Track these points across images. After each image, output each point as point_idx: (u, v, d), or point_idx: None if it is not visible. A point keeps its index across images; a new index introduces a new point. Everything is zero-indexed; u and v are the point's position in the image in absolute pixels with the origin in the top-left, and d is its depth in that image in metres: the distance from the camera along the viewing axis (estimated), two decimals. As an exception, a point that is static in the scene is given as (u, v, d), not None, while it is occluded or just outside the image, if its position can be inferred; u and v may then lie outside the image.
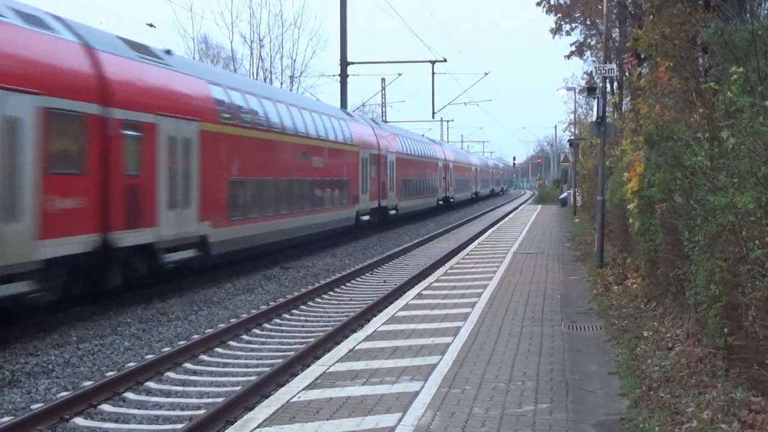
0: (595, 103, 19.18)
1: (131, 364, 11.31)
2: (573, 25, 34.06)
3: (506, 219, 42.56)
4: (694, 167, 8.40)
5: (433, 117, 56.62)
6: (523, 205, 67.14)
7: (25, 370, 10.94)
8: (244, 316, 14.83)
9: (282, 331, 14.06)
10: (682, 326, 9.91)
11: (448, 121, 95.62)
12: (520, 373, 8.64)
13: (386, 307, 14.10)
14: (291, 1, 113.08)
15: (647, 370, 8.67)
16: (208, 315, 15.25)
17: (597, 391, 8.13)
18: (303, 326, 14.52)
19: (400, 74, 77.26)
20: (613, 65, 20.20)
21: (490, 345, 10.12)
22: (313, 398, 7.70)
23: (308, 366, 9.72)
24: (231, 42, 64.70)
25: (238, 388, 10.06)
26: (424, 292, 14.88)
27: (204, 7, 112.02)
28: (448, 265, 19.92)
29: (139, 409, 9.46)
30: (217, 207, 19.42)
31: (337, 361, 9.24)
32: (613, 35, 29.16)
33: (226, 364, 11.69)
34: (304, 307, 16.20)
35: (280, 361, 11.36)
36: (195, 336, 13.22)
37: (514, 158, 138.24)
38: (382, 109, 63.83)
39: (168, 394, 10.15)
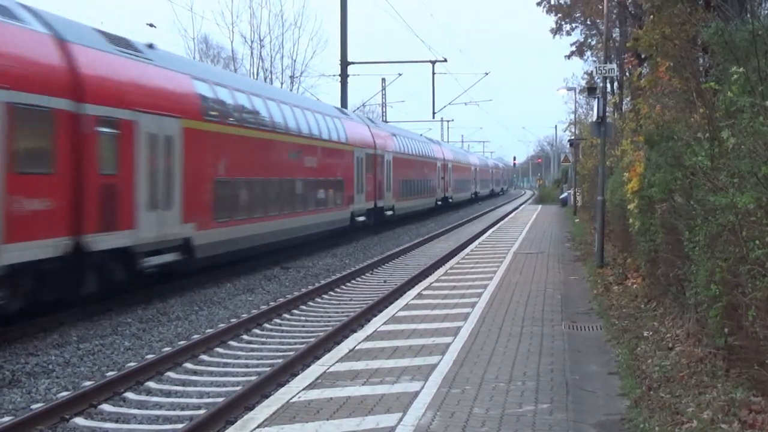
0: (595, 103, 19.18)
1: (131, 363, 11.31)
2: (573, 25, 34.09)
3: (506, 219, 42.56)
4: (694, 167, 8.40)
5: (433, 117, 56.70)
6: (523, 205, 67.13)
7: (26, 370, 10.94)
8: (245, 316, 14.83)
9: (282, 331, 14.06)
10: (683, 326, 9.91)
11: (448, 121, 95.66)
12: (521, 373, 8.64)
13: (386, 307, 14.10)
14: (291, 1, 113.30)
15: (647, 370, 8.67)
16: (209, 315, 15.25)
17: (597, 391, 8.13)
18: (303, 326, 14.52)
19: (400, 74, 77.56)
20: (614, 65, 20.21)
21: (491, 345, 10.12)
22: (313, 398, 7.70)
23: (308, 366, 9.72)
24: (231, 42, 64.65)
25: (238, 388, 10.06)
26: (425, 292, 14.88)
27: (204, 7, 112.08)
28: (448, 265, 19.92)
29: (139, 409, 9.47)
30: (202, 208, 18.65)
31: (337, 361, 9.24)
32: (614, 35, 29.17)
33: (226, 364, 11.69)
34: (304, 307, 16.20)
35: (280, 361, 11.36)
36: (195, 336, 13.22)
37: (515, 158, 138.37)
38: (382, 109, 63.91)
39: (168, 394, 10.15)
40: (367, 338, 10.62)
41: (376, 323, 11.81)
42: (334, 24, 63.43)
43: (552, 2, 31.95)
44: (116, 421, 9.03)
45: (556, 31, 33.50)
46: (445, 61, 46.25)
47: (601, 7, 23.37)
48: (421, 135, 54.13)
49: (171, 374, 10.96)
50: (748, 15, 11.40)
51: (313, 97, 42.64)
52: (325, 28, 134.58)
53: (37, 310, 13.66)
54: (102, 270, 14.92)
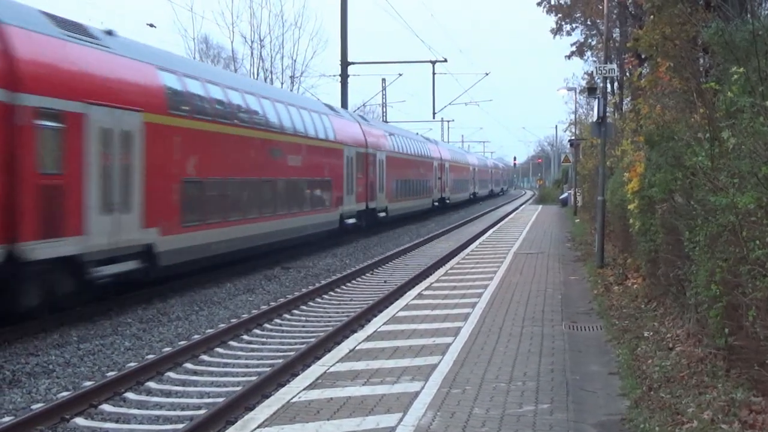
0: (595, 103, 19.18)
1: (132, 364, 11.31)
2: (573, 25, 34.11)
3: (507, 219, 42.56)
4: (694, 167, 8.40)
5: (433, 117, 56.84)
6: (523, 206, 67.12)
7: (26, 370, 10.94)
8: (245, 316, 14.83)
9: (282, 331, 14.06)
10: (683, 326, 9.91)
11: (448, 122, 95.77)
12: (521, 374, 8.64)
13: (387, 307, 14.10)
14: (291, 1, 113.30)
15: (648, 370, 8.67)
16: (209, 315, 15.25)
17: (597, 392, 8.13)
18: (303, 326, 14.52)
19: (400, 74, 77.72)
20: (614, 65, 20.21)
21: (491, 345, 10.12)
22: (313, 398, 7.70)
23: (309, 366, 9.72)
24: (232, 42, 64.61)
25: (238, 388, 10.06)
26: (425, 293, 14.88)
27: (204, 7, 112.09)
28: (448, 265, 19.92)
29: (139, 409, 9.47)
30: (168, 211, 17.00)
31: (337, 362, 9.24)
32: (614, 35, 29.17)
33: (226, 364, 11.69)
34: (304, 307, 16.20)
35: (280, 361, 11.36)
36: (195, 336, 13.22)
37: (515, 158, 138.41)
38: (382, 109, 63.92)
39: (168, 394, 10.15)
40: (368, 338, 10.61)
41: (377, 323, 11.81)
42: (334, 24, 63.52)
43: (552, 2, 31.99)
44: (116, 421, 9.03)
45: (557, 31, 33.53)
46: (446, 61, 46.35)
47: (601, 7, 23.37)
48: (417, 134, 52.90)
49: (171, 374, 10.96)
50: (749, 15, 11.40)
51: (313, 97, 42.46)
52: (325, 28, 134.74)
53: (36, 310, 13.66)
54: (45, 281, 13.34)
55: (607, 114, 19.67)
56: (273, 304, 16.15)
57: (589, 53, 35.75)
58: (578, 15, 32.41)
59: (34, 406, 9.34)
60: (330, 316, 15.37)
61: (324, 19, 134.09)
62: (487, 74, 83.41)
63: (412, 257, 25.60)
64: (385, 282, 19.71)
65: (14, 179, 12.62)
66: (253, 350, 12.60)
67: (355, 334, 11.29)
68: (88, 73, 14.67)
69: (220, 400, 9.48)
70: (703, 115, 9.63)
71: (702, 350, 8.59)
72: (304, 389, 8.02)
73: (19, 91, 12.79)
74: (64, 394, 9.82)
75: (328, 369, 8.87)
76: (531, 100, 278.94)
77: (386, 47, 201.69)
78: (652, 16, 16.85)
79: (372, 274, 21.42)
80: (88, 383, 10.27)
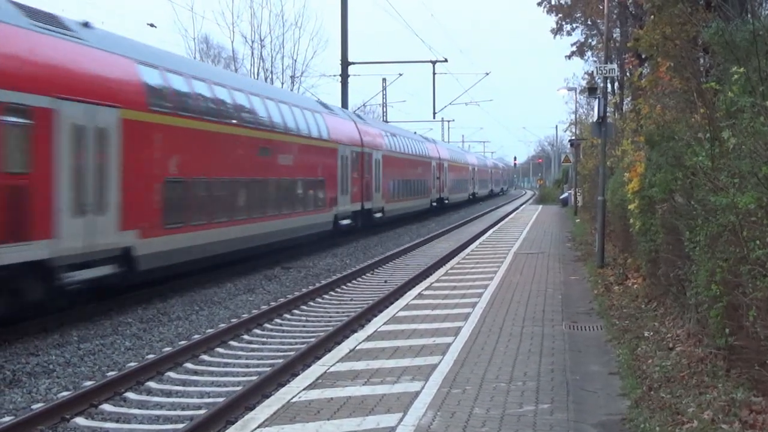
0: (596, 103, 19.18)
1: (132, 363, 11.31)
2: (574, 25, 34.10)
3: (507, 219, 42.56)
4: (695, 167, 8.40)
5: (434, 117, 56.82)
6: (523, 206, 67.10)
7: (26, 370, 10.95)
8: (245, 315, 14.84)
9: (283, 331, 14.06)
10: (683, 326, 9.91)
11: (449, 121, 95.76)
12: (521, 374, 8.64)
13: (387, 307, 14.10)
14: (292, 1, 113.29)
15: (648, 370, 8.67)
16: (209, 315, 15.25)
17: (598, 392, 8.13)
18: (304, 326, 14.52)
19: (401, 74, 77.62)
20: (614, 65, 20.20)
21: (491, 345, 10.12)
22: (313, 398, 7.70)
23: (309, 366, 9.72)
24: (232, 42, 64.77)
25: (238, 388, 10.06)
26: (425, 292, 14.88)
27: (205, 7, 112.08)
28: (448, 265, 19.92)
29: (140, 408, 9.47)
30: (148, 212, 16.19)
31: (337, 361, 9.24)
32: (614, 35, 29.17)
33: (226, 364, 11.69)
34: (304, 307, 16.20)
35: (280, 361, 11.36)
36: (196, 336, 13.22)
37: (515, 158, 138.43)
38: (383, 109, 63.93)
39: (169, 393, 10.15)
40: (368, 338, 10.61)
41: (377, 323, 11.81)
42: (334, 24, 63.53)
43: (552, 2, 31.99)
44: (117, 421, 9.03)
45: (557, 31, 33.53)
46: (446, 61, 46.36)
47: (601, 7, 23.37)
48: (415, 133, 52.21)
49: (171, 374, 10.97)
50: (749, 15, 11.40)
51: (314, 96, 42.35)
52: (325, 28, 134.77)
53: (37, 311, 13.66)
54: (12, 288, 12.63)
55: (608, 114, 19.66)
56: (273, 304, 16.15)
57: (589, 53, 35.77)
58: (578, 15, 32.41)
59: (34, 406, 9.34)
60: (330, 316, 15.37)
61: (324, 19, 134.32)
62: (487, 74, 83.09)
63: (412, 257, 25.60)
64: (385, 282, 19.72)
65: None
66: (253, 350, 12.60)
67: (356, 334, 11.29)
68: (60, 66, 13.93)
69: (221, 399, 9.48)
70: (704, 115, 9.63)
71: (702, 350, 8.59)
72: (304, 389, 8.02)
73: None
74: (65, 393, 9.82)
75: (329, 369, 8.87)
76: (531, 100, 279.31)
77: (386, 47, 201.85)
78: (652, 16, 16.86)
79: (372, 274, 21.42)
80: (88, 383, 10.28)
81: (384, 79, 60.87)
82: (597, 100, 18.96)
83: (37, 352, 11.93)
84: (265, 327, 14.21)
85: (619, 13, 28.02)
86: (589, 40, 34.80)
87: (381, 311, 13.85)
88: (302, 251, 25.62)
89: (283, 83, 49.52)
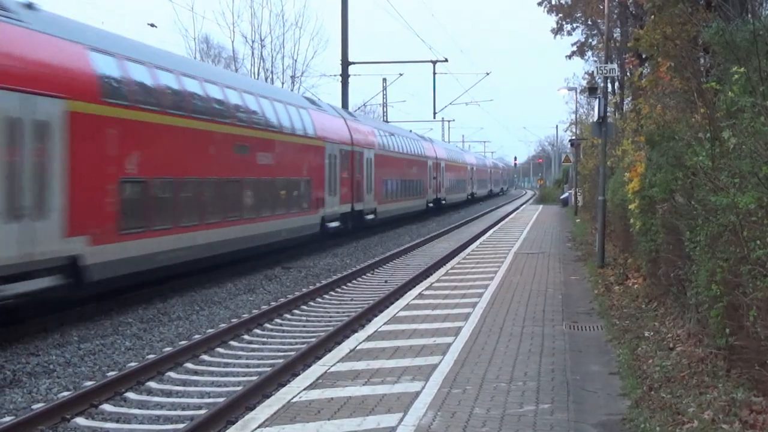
0: (596, 103, 19.19)
1: (132, 363, 11.31)
2: (574, 25, 34.11)
3: (507, 219, 42.56)
4: (695, 167, 8.41)
5: (434, 117, 56.77)
6: (524, 206, 67.08)
7: (27, 370, 10.95)
8: (246, 315, 14.84)
9: (283, 331, 14.07)
10: (684, 326, 9.91)
11: (449, 121, 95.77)
12: (522, 374, 8.64)
13: (387, 307, 14.10)
14: (292, 1, 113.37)
15: (648, 370, 8.67)
16: (209, 315, 15.25)
17: (598, 392, 8.13)
18: (304, 326, 14.52)
19: (401, 74, 77.33)
20: (615, 65, 20.20)
21: (492, 345, 10.12)
22: (314, 398, 7.70)
23: (309, 366, 9.72)
24: (232, 42, 64.97)
25: (239, 388, 10.07)
26: (425, 292, 14.88)
27: (205, 6, 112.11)
28: (449, 265, 19.92)
29: (140, 409, 9.47)
30: (100, 216, 14.57)
31: (338, 361, 9.24)
32: (615, 35, 29.18)
33: (227, 364, 11.70)
34: (305, 307, 16.20)
35: (281, 361, 11.36)
36: (196, 336, 13.22)
37: (515, 158, 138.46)
38: (383, 108, 63.93)
39: (169, 394, 10.15)
40: (368, 338, 10.62)
41: (377, 323, 11.81)
42: (335, 24, 63.58)
43: (553, 2, 32.02)
44: (117, 421, 9.04)
45: (557, 31, 33.55)
46: (446, 61, 46.31)
47: (601, 7, 23.38)
48: (410, 131, 50.92)
49: (172, 374, 10.97)
50: (749, 15, 11.39)
51: (314, 96, 42.27)
52: (326, 28, 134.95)
53: (37, 311, 13.65)
54: None
55: (608, 114, 19.67)
56: (274, 303, 16.15)
57: (589, 53, 35.79)
58: (579, 15, 32.42)
59: (34, 406, 9.35)
60: (331, 316, 15.37)
61: (325, 18, 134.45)
62: (487, 74, 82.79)
63: (412, 257, 25.61)
64: (385, 282, 19.71)
65: None
66: (253, 350, 12.60)
67: (356, 334, 11.29)
68: None
69: (221, 399, 9.48)
70: (704, 115, 9.63)
71: (703, 350, 8.59)
72: (304, 389, 8.02)
73: None
74: (65, 393, 9.83)
75: (329, 369, 8.87)
76: (532, 100, 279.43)
77: (387, 47, 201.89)
78: (652, 16, 16.86)
79: (372, 273, 21.43)
80: (88, 383, 10.28)
81: (384, 79, 60.97)
82: (597, 99, 18.96)
83: (38, 352, 11.94)
84: (266, 327, 14.21)
85: (619, 12, 28.03)
86: (590, 40, 34.83)
87: (381, 311, 13.85)
88: (303, 251, 25.60)
89: (283, 83, 49.55)
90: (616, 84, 30.86)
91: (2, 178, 12.21)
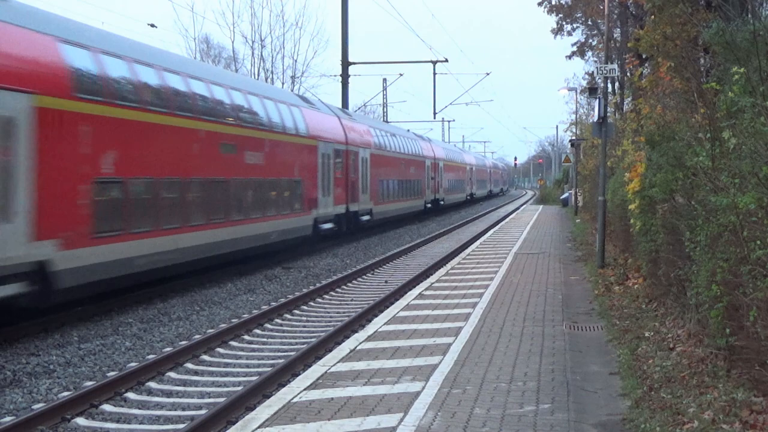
0: (596, 103, 19.18)
1: (132, 364, 11.31)
2: (574, 25, 34.16)
3: (507, 219, 42.56)
4: (695, 167, 8.41)
5: (434, 117, 56.84)
6: (524, 206, 67.06)
7: (27, 370, 10.95)
8: (246, 316, 14.84)
9: (283, 331, 14.07)
10: (684, 326, 9.91)
11: (449, 122, 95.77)
12: (522, 374, 8.64)
13: (387, 307, 14.10)
14: (292, 2, 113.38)
15: (648, 370, 8.67)
16: (210, 315, 15.25)
17: (598, 392, 8.13)
18: (304, 326, 14.52)
19: (401, 74, 77.32)
20: (615, 65, 20.20)
21: (492, 345, 10.12)
22: (314, 398, 7.71)
23: (309, 366, 9.73)
24: (232, 42, 65.09)
25: (239, 388, 10.07)
26: (426, 293, 14.88)
27: (205, 7, 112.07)
28: (449, 265, 19.92)
29: (140, 409, 9.48)
30: (71, 219, 13.70)
31: (338, 362, 9.24)
32: (615, 35, 29.20)
33: (227, 364, 11.70)
34: (305, 308, 16.20)
35: (281, 361, 11.36)
36: (196, 336, 13.22)
37: (516, 158, 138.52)
38: (383, 109, 63.93)
39: (169, 394, 10.16)
40: (369, 338, 10.62)
41: (377, 323, 11.81)
42: (335, 24, 63.58)
43: (553, 2, 32.02)
44: (117, 421, 9.04)
45: (557, 31, 33.58)
46: (447, 61, 46.36)
47: (601, 7, 23.38)
48: (408, 131, 50.07)
49: (172, 374, 10.97)
50: (749, 15, 11.40)
51: (315, 96, 42.19)
52: (326, 29, 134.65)
53: (37, 311, 13.65)
54: None
55: (608, 114, 19.66)
56: (274, 304, 16.15)
57: (589, 53, 35.85)
58: (579, 15, 32.44)
59: (35, 406, 9.35)
60: (331, 316, 15.37)
61: (325, 19, 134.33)
62: (488, 74, 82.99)
63: (412, 257, 25.61)
64: (385, 282, 19.71)
65: None
66: (253, 350, 12.61)
67: (356, 334, 11.29)
68: None
69: (221, 400, 9.48)
70: (704, 115, 9.64)
71: (703, 350, 8.59)
72: (304, 389, 8.02)
73: None
74: (65, 394, 9.83)
75: (329, 369, 8.88)
76: (532, 100, 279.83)
77: (387, 47, 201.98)
78: (652, 16, 16.87)
79: (373, 274, 21.43)
80: (88, 383, 10.28)
81: (384, 79, 61.01)
82: (597, 100, 18.95)
83: (38, 353, 11.94)
84: (266, 327, 14.21)
85: (619, 13, 28.04)
86: (590, 41, 34.88)
87: (381, 311, 13.86)
88: (303, 251, 25.60)
89: (283, 83, 49.55)
90: (616, 84, 30.88)
91: None
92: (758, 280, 6.42)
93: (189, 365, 11.47)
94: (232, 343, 12.91)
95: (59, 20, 15.12)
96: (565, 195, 55.00)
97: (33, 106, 12.79)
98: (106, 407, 9.40)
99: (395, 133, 42.50)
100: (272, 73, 49.86)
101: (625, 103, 29.69)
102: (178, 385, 10.53)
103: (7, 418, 8.87)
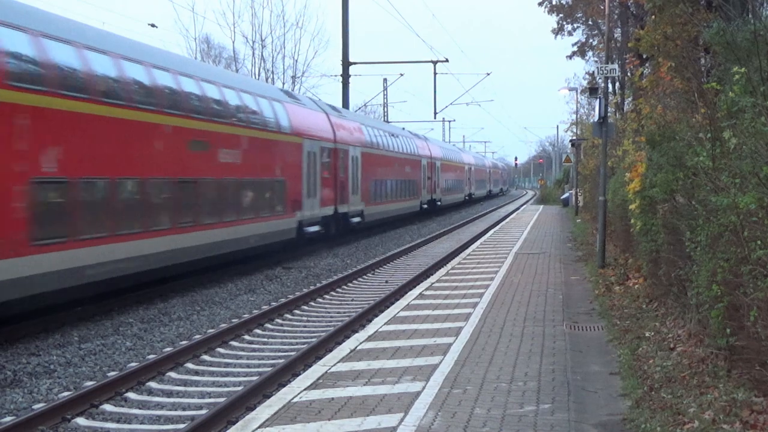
0: (596, 103, 19.18)
1: (133, 364, 11.32)
2: (575, 25, 34.18)
3: (508, 219, 42.56)
4: (696, 167, 8.41)
5: (434, 117, 56.89)
6: (524, 206, 67.02)
7: (27, 370, 10.95)
8: (246, 316, 14.84)
9: (284, 331, 14.07)
10: (684, 327, 9.91)
11: (450, 122, 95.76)
12: (522, 374, 8.64)
13: (388, 307, 14.10)
14: (293, 2, 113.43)
15: (649, 370, 8.67)
16: (210, 315, 15.25)
17: (599, 392, 8.13)
18: (305, 326, 14.52)
19: (402, 74, 77.40)
20: (615, 65, 20.21)
21: (492, 345, 10.12)
22: (314, 398, 7.71)
23: (310, 366, 9.73)
24: (233, 42, 65.02)
25: (239, 388, 10.07)
26: (426, 293, 14.88)
27: (206, 7, 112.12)
28: (449, 265, 19.92)
29: (140, 409, 9.48)
30: (3, 224, 12.33)
31: (338, 362, 9.24)
32: (615, 35, 29.19)
33: (227, 364, 11.70)
34: (305, 307, 16.20)
35: (281, 361, 11.36)
36: (197, 336, 13.22)
37: (516, 158, 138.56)
38: (383, 109, 63.96)
39: (170, 394, 10.16)
40: (369, 338, 10.62)
41: (378, 323, 11.81)
42: (335, 24, 63.59)
43: (553, 2, 32.05)
44: (118, 421, 9.04)
45: (558, 31, 33.62)
46: (447, 61, 46.33)
47: (602, 7, 23.38)
48: (403, 129, 48.86)
49: (172, 374, 10.97)
50: (750, 15, 11.40)
51: (315, 96, 42.04)
52: (326, 29, 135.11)
53: (38, 311, 13.65)
54: None
55: (609, 114, 19.66)
56: (274, 304, 16.16)
57: (590, 53, 35.85)
58: (579, 15, 32.46)
59: (35, 406, 9.35)
60: (331, 316, 15.37)
61: (325, 19, 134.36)
62: (488, 74, 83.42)
63: (413, 257, 25.60)
64: (386, 282, 19.71)
65: None
66: (254, 350, 12.61)
67: (357, 334, 11.30)
68: None
69: (222, 400, 9.48)
70: (705, 115, 9.64)
71: (703, 350, 8.59)
72: (305, 389, 8.02)
73: None
74: (66, 394, 9.83)
75: (330, 369, 8.88)
76: (532, 100, 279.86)
77: (387, 47, 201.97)
78: (653, 16, 16.86)
79: (373, 274, 21.43)
80: (89, 383, 10.28)
81: (385, 80, 61.04)
82: (598, 100, 18.95)
83: (38, 353, 11.94)
84: (266, 327, 14.21)
85: (620, 13, 28.03)
86: (590, 40, 34.89)
87: (382, 311, 13.85)
88: (303, 251, 25.59)
89: (284, 83, 49.59)
90: (617, 84, 30.88)
91: None
92: (759, 280, 6.42)
93: (189, 365, 11.47)
94: (233, 343, 12.91)
95: None
96: (566, 195, 54.99)
97: None
98: (107, 407, 9.40)
99: (389, 130, 41.27)
100: (273, 73, 49.95)
101: (625, 103, 29.69)
102: (178, 385, 10.53)
103: (8, 418, 8.87)
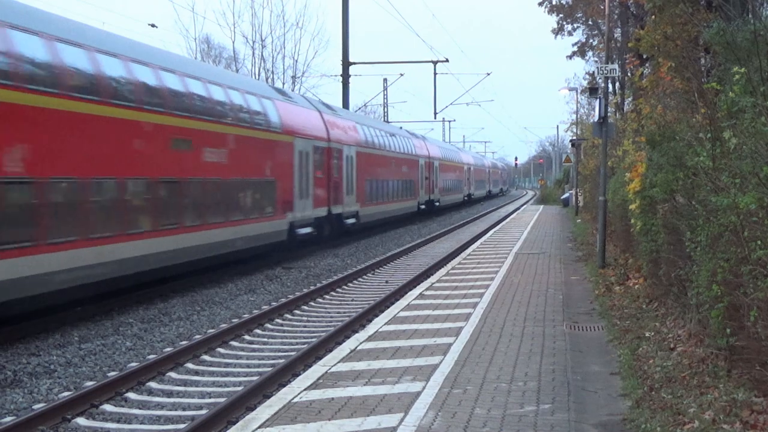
0: (597, 103, 19.17)
1: (133, 364, 11.32)
2: (575, 25, 34.17)
3: (508, 219, 42.56)
4: (696, 168, 8.41)
5: (435, 117, 56.91)
6: (524, 206, 67.00)
7: (27, 370, 10.96)
8: (246, 316, 14.84)
9: (284, 331, 14.07)
10: (684, 327, 9.91)
11: (450, 122, 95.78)
12: (522, 374, 8.64)
13: (388, 307, 14.10)
14: (293, 2, 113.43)
15: (649, 370, 8.67)
16: (210, 315, 15.26)
17: (599, 392, 8.13)
18: (305, 326, 14.52)
19: (402, 74, 77.39)
20: (615, 65, 20.21)
21: (492, 345, 10.12)
22: (314, 398, 7.71)
23: (310, 366, 9.73)
24: (233, 42, 65.03)
25: (239, 388, 10.07)
26: (426, 293, 14.88)
27: (206, 7, 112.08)
28: (449, 265, 19.92)
29: (140, 409, 9.48)
30: None
31: (339, 362, 9.24)
32: (615, 35, 29.19)
33: (227, 364, 11.70)
34: (305, 308, 16.20)
35: (281, 361, 11.36)
36: (197, 336, 13.23)
37: (516, 158, 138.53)
38: (384, 109, 63.95)
39: (170, 394, 10.16)
40: (369, 338, 10.62)
41: (378, 323, 11.81)
42: (335, 24, 63.65)
43: (554, 2, 32.05)
44: (118, 422, 9.04)
45: (558, 31, 33.61)
46: (447, 61, 46.34)
47: (602, 7, 23.38)
48: (401, 128, 48.15)
49: (173, 374, 10.97)
50: (750, 15, 11.40)
51: (315, 97, 41.96)
52: (326, 29, 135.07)
53: (38, 311, 13.64)
54: None
55: (609, 114, 19.66)
56: (274, 304, 16.16)
57: (590, 53, 35.85)
58: (579, 15, 32.45)
59: (35, 406, 9.35)
60: (331, 316, 15.37)
61: (325, 19, 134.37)
62: (488, 74, 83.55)
63: (413, 257, 25.60)
64: (386, 282, 19.71)
65: None
66: (254, 350, 12.61)
67: (357, 334, 11.30)
68: None
69: (222, 400, 9.49)
70: (705, 115, 9.64)
71: (703, 350, 8.59)
72: (305, 389, 8.02)
73: None
74: (66, 394, 9.83)
75: (330, 369, 8.88)
76: (532, 100, 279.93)
77: (388, 47, 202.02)
78: (653, 16, 16.87)
79: (373, 274, 21.43)
80: (89, 383, 10.29)
81: (385, 80, 61.03)
82: (598, 100, 18.95)
83: (38, 353, 11.94)
84: (266, 327, 14.22)
85: (620, 13, 28.04)
86: (590, 40, 34.89)
87: (382, 311, 13.85)
88: (303, 251, 25.59)
89: (284, 83, 49.60)
90: (617, 84, 30.88)
91: None
92: (759, 280, 6.42)
93: (189, 365, 11.48)
94: (233, 343, 12.92)
95: None
96: (566, 195, 54.98)
97: None
98: (107, 407, 9.40)
99: (386, 130, 40.57)
100: (273, 73, 49.96)
101: (625, 103, 29.69)
102: (178, 385, 10.53)
103: (8, 418, 8.87)
